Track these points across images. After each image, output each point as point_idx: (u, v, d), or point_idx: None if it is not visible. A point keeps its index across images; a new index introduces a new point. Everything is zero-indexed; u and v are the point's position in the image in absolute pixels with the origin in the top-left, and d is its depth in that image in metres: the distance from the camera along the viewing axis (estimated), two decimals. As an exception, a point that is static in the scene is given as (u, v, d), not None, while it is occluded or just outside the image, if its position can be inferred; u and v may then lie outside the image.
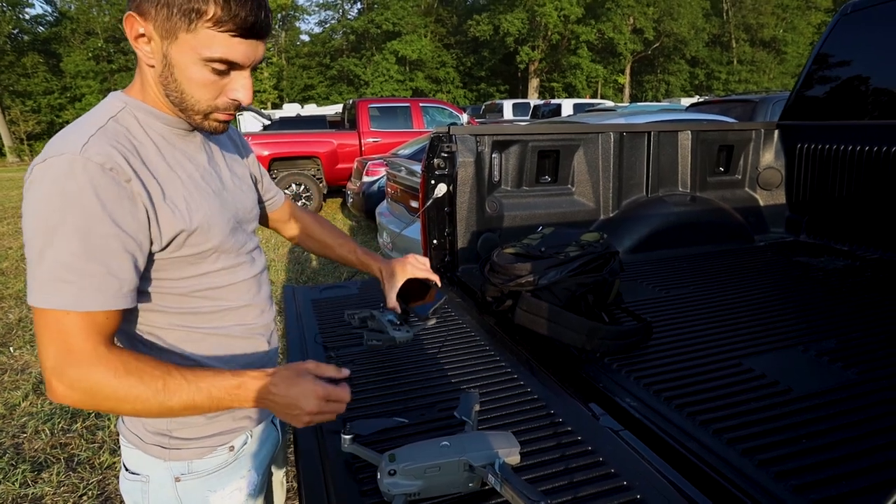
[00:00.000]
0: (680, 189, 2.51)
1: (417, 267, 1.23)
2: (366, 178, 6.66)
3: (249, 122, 12.50)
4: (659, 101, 21.80)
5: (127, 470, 0.95)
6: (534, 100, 19.34)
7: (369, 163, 6.72)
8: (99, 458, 2.57)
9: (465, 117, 10.52)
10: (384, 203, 5.20)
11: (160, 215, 0.79)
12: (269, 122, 9.55)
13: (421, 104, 9.90)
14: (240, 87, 0.81)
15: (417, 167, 4.22)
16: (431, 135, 2.15)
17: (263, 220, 1.23)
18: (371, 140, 9.05)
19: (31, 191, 0.73)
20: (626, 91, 33.08)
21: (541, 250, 1.59)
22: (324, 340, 1.47)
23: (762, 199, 2.65)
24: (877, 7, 2.36)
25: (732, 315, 1.62)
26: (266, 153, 8.09)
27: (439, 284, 1.27)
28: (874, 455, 0.95)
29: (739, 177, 2.64)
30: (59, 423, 2.86)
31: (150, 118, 0.84)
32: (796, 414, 1.08)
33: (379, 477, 0.81)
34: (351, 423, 0.94)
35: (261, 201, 1.17)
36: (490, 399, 1.13)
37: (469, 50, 32.76)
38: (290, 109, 17.32)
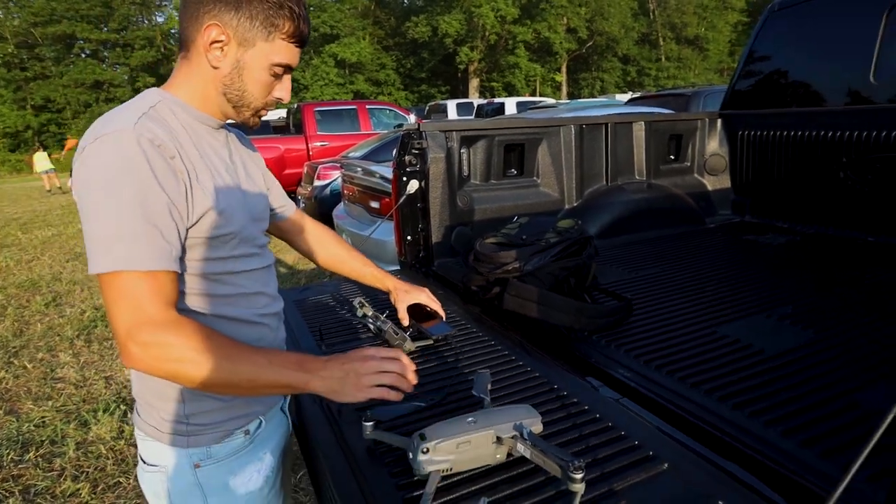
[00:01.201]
0: (636, 177, 2.65)
1: (430, 297, 1.37)
2: (318, 182, 6.56)
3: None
4: (595, 98, 22.58)
5: (145, 463, 0.97)
6: (477, 99, 19.59)
7: (320, 166, 6.63)
8: (60, 487, 2.43)
9: (412, 118, 10.54)
10: (340, 206, 5.15)
11: (194, 193, 0.86)
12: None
13: (367, 106, 9.85)
14: (284, 87, 0.97)
15: (376, 167, 4.21)
16: (402, 132, 2.17)
17: (274, 229, 1.26)
18: (319, 144, 8.92)
19: (87, 164, 0.78)
20: (564, 89, 34.08)
21: (522, 238, 1.65)
22: (322, 339, 1.47)
23: (710, 183, 2.83)
24: (799, 5, 2.58)
25: (698, 290, 1.74)
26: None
27: (444, 317, 1.40)
28: (841, 399, 1.06)
29: (689, 164, 2.81)
30: (8, 453, 2.68)
31: (184, 113, 0.92)
32: (772, 371, 1.19)
33: (411, 457, 0.84)
34: (370, 411, 0.96)
35: (271, 209, 1.21)
36: (496, 379, 1.17)
37: (408, 52, 32.80)
38: (229, 116, 16.70)
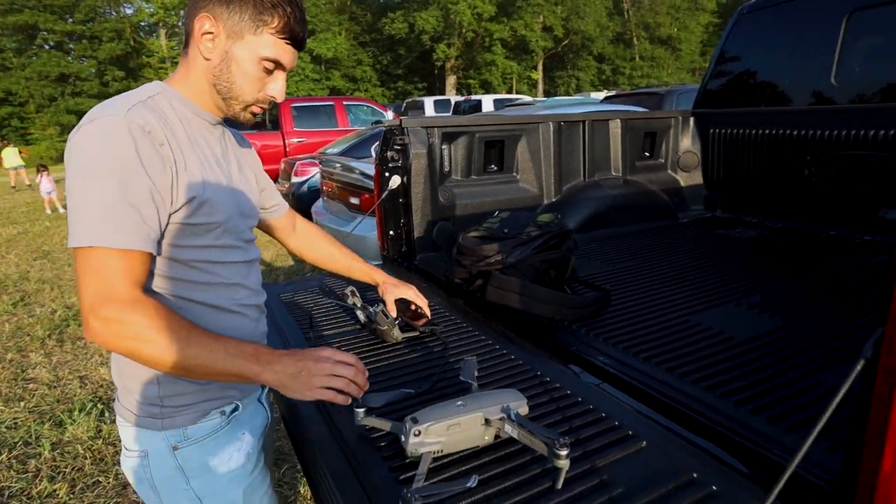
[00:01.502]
0: (613, 173, 2.72)
1: (417, 294, 1.40)
2: (295, 179, 6.51)
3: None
4: (571, 96, 22.86)
5: (127, 449, 0.99)
6: (454, 96, 19.63)
7: (298, 163, 6.58)
8: (36, 488, 2.39)
9: (389, 114, 10.51)
10: (319, 202, 5.13)
11: (180, 180, 0.88)
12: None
13: (344, 102, 9.78)
14: (277, 85, 0.98)
15: (355, 163, 4.22)
16: (383, 128, 2.19)
17: (267, 228, 1.30)
18: (296, 140, 8.83)
19: (79, 145, 0.82)
20: (540, 87, 34.35)
21: (504, 232, 1.69)
22: (309, 331, 1.48)
23: (683, 180, 2.92)
24: (766, 9, 2.68)
25: (673, 281, 1.81)
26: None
27: (429, 316, 1.43)
28: (805, 380, 1.13)
29: (663, 160, 2.89)
30: (-19, 455, 2.62)
31: (182, 106, 0.96)
32: (742, 355, 1.25)
33: (403, 440, 0.87)
34: (362, 398, 0.99)
35: (264, 208, 1.25)
36: (482, 367, 1.21)
37: (385, 48, 32.63)
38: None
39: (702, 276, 1.85)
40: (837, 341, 1.31)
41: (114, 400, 1.02)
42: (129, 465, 0.99)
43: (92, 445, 2.64)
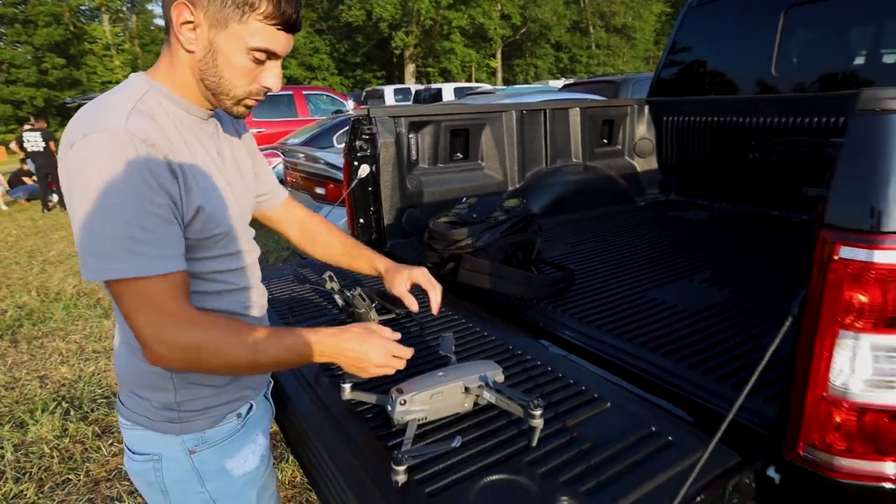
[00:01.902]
0: (574, 160, 2.83)
1: (429, 280, 1.21)
2: (256, 170, 6.40)
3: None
4: (529, 84, 23.11)
5: (134, 452, 0.95)
6: (414, 85, 19.54)
7: (258, 153, 6.46)
8: (1, 490, 2.34)
9: (350, 104, 10.40)
10: (283, 193, 5.08)
11: (188, 193, 0.84)
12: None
13: (304, 92, 9.62)
14: (272, 75, 0.88)
15: (320, 154, 4.20)
16: (351, 117, 2.22)
17: (263, 218, 1.22)
18: (255, 130, 8.65)
19: (80, 164, 0.75)
20: (499, 75, 34.52)
21: (472, 217, 1.76)
22: (288, 316, 1.52)
23: (639, 165, 3.06)
24: (713, 2, 2.83)
25: (631, 260, 1.93)
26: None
27: (439, 302, 1.22)
28: (749, 343, 1.26)
29: (620, 147, 3.02)
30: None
31: (171, 104, 0.88)
32: (694, 324, 1.37)
33: (390, 409, 0.94)
34: (346, 374, 1.04)
35: (260, 194, 1.16)
36: (458, 344, 1.28)
37: (342, 36, 32.05)
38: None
39: (658, 255, 1.98)
40: (778, 309, 1.45)
41: (115, 403, 0.99)
42: (136, 468, 0.95)
43: (58, 444, 2.60)
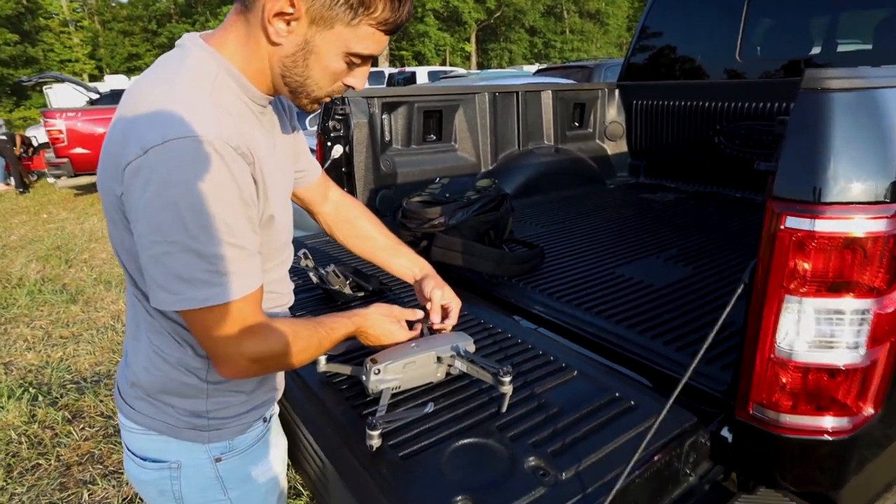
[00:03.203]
0: (545, 142, 2.87)
1: (453, 296, 1.12)
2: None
3: (68, 96, 10.86)
4: (504, 69, 23.06)
5: (145, 459, 0.87)
6: (388, 68, 19.28)
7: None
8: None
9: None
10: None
11: (264, 199, 0.79)
12: (96, 97, 8.38)
13: (275, 73, 9.41)
14: (360, 74, 0.80)
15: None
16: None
17: (294, 198, 1.09)
18: (224, 112, 8.45)
19: (166, 180, 0.66)
20: (473, 59, 34.33)
21: (445, 196, 1.79)
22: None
23: (609, 148, 3.12)
24: None
25: (601, 239, 1.98)
26: (101, 130, 7.19)
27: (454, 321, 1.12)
28: (710, 315, 1.32)
29: (591, 130, 3.08)
30: None
31: (239, 89, 0.78)
32: (659, 299, 1.43)
33: (364, 379, 0.96)
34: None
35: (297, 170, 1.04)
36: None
37: (314, 16, 31.30)
38: (114, 82, 15.26)
39: (626, 235, 2.04)
40: (738, 283, 1.52)
41: (118, 408, 0.91)
42: (147, 476, 0.88)
43: (27, 430, 2.55)
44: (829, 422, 0.82)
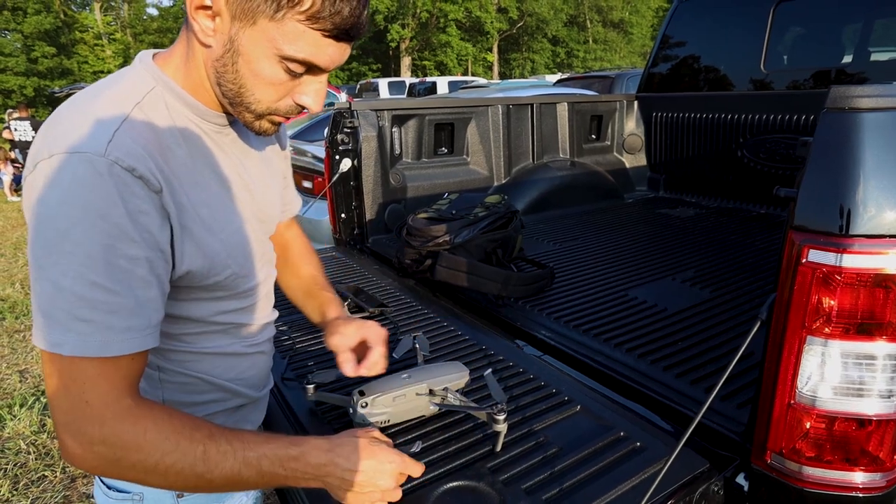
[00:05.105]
0: (561, 155, 2.79)
1: (378, 337, 0.95)
2: (246, 162, 6.34)
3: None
4: (526, 78, 23.03)
5: (109, 488, 0.80)
6: (409, 78, 19.42)
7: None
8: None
9: (343, 96, 10.31)
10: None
11: (184, 239, 0.67)
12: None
13: (296, 84, 9.52)
14: (311, 91, 0.68)
15: (308, 147, 4.15)
16: (333, 111, 2.18)
17: None
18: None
19: (40, 198, 0.58)
20: (496, 69, 34.38)
21: (452, 213, 1.73)
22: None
23: (628, 161, 3.03)
24: None
25: (615, 258, 1.90)
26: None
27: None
28: (726, 346, 1.24)
29: (608, 143, 2.99)
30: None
31: (182, 106, 0.70)
32: (672, 325, 1.35)
33: (351, 412, 0.91)
34: (310, 375, 1.01)
35: None
36: (431, 343, 1.25)
37: (338, 27, 31.78)
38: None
39: (642, 254, 1.95)
40: (758, 310, 1.43)
41: None
42: (109, 501, 0.82)
43: (35, 440, 2.56)
44: (859, 477, 0.73)
